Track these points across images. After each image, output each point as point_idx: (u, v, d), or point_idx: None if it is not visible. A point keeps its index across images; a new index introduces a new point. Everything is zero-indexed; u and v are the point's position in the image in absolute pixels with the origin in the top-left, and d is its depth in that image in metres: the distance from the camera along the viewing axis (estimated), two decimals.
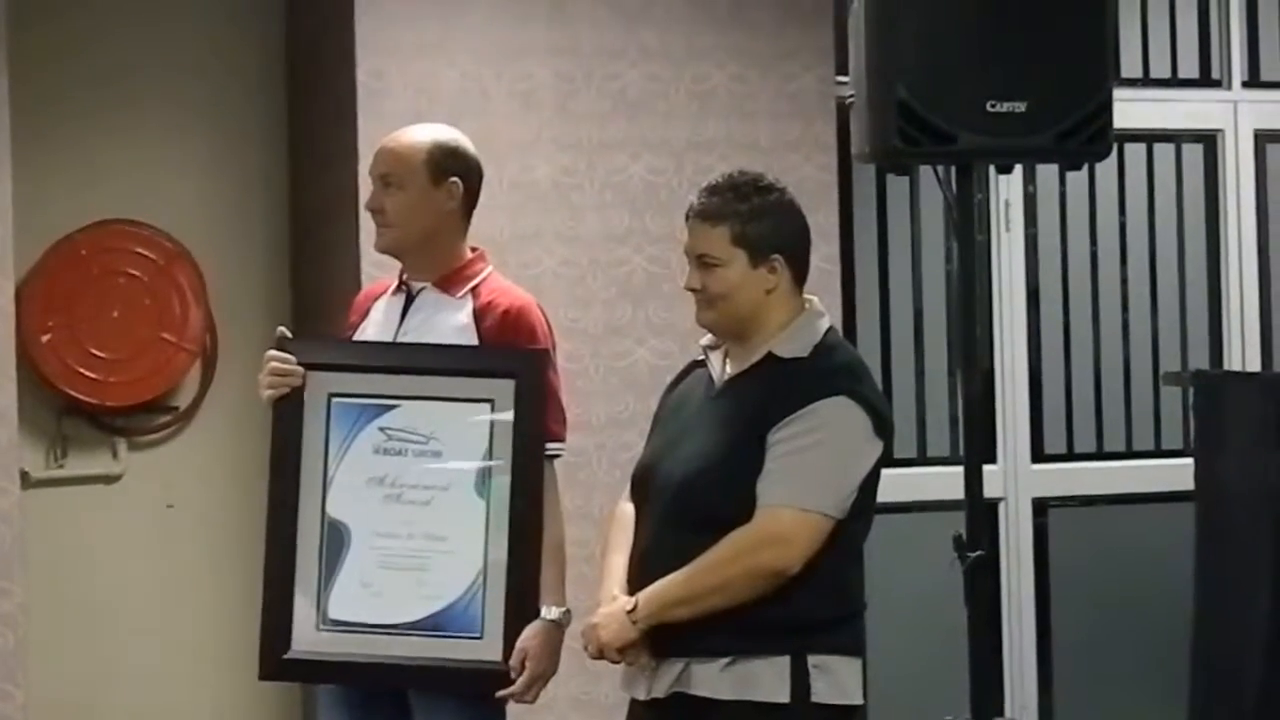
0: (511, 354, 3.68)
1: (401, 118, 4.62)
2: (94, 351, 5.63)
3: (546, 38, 5.42)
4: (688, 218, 3.51)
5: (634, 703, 3.52)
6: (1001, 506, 6.01)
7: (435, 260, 3.77)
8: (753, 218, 3.45)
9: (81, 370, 5.62)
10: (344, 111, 5.33)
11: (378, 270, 4.65)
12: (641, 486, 3.55)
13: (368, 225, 4.01)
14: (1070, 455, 6.19)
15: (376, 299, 3.88)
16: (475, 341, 3.71)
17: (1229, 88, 6.29)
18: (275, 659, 3.69)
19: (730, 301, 3.46)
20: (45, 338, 5.59)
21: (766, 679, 3.36)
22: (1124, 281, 6.26)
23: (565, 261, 5.42)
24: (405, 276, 3.82)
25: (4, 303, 5.15)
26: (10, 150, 5.13)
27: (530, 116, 5.40)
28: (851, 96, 4.41)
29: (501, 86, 5.39)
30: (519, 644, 3.60)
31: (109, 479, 5.75)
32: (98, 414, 5.71)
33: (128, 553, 5.75)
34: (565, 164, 5.43)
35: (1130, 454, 6.22)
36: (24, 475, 5.36)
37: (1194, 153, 6.31)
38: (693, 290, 3.51)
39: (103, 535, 5.74)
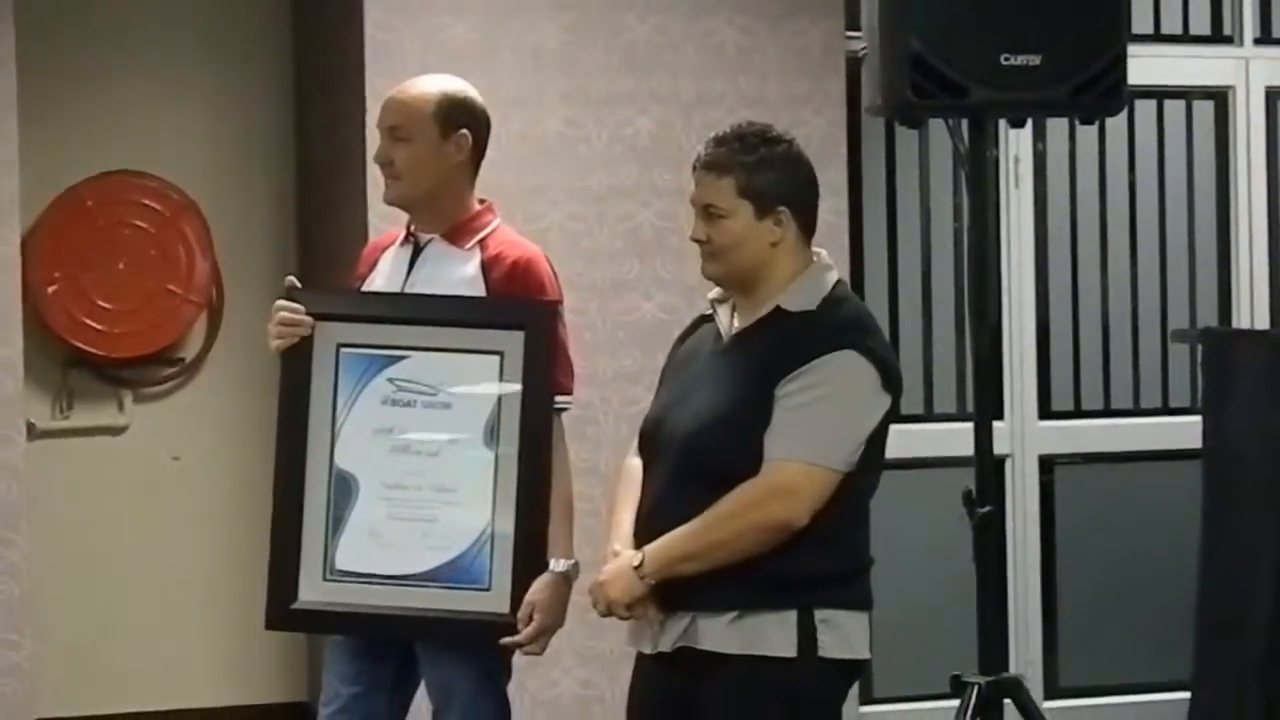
0: (521, 306, 3.67)
1: (409, 71, 4.59)
2: (100, 303, 5.63)
3: None
4: (694, 168, 3.49)
5: (640, 656, 3.52)
6: (1008, 463, 6.01)
7: (443, 212, 3.76)
8: (759, 169, 3.43)
9: (87, 322, 5.62)
10: (352, 64, 5.31)
11: (385, 223, 4.64)
12: (649, 441, 3.53)
13: (375, 178, 3.99)
14: (1077, 412, 6.19)
15: (384, 250, 3.87)
16: (483, 293, 3.70)
17: (1240, 44, 6.26)
18: (282, 609, 3.69)
19: (735, 253, 3.44)
20: (51, 289, 5.59)
21: (773, 633, 3.35)
22: (1133, 239, 6.24)
23: (572, 215, 5.41)
24: (413, 228, 3.80)
25: (10, 254, 5.15)
26: (17, 102, 5.12)
27: (538, 70, 5.38)
28: (863, 49, 4.38)
29: (509, 40, 5.37)
30: (527, 596, 3.60)
31: (114, 430, 5.76)
32: (103, 365, 5.71)
33: (133, 504, 5.76)
34: (573, 118, 5.42)
35: (1138, 411, 6.22)
36: (30, 426, 5.37)
37: (1205, 109, 6.28)
38: (698, 241, 3.48)
39: (108, 487, 5.74)
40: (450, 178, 3.75)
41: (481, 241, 3.75)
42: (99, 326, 5.63)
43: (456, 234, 3.76)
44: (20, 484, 5.13)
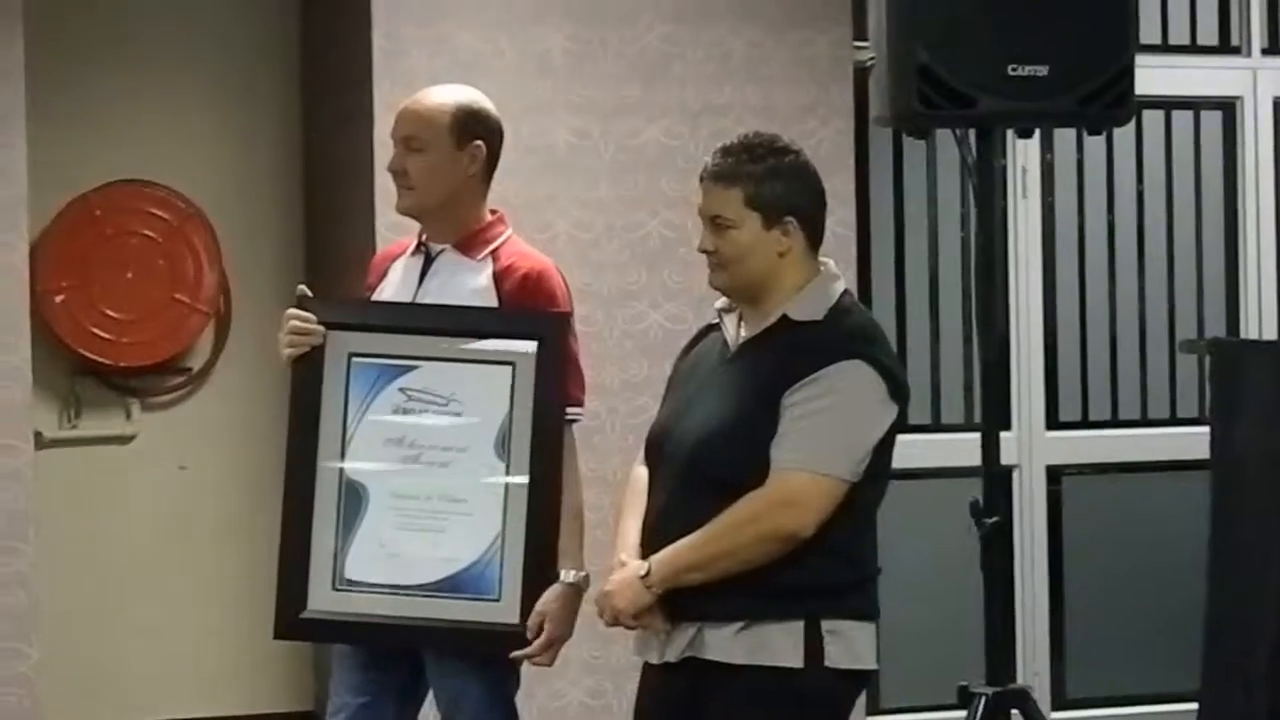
0: (533, 317, 3.68)
1: (417, 80, 4.61)
2: (107, 312, 5.63)
3: (562, 1, 5.40)
4: (701, 179, 3.49)
5: (647, 666, 3.52)
6: (1016, 474, 6.01)
7: (456, 222, 3.76)
8: (766, 179, 3.43)
9: (95, 331, 5.62)
10: (360, 73, 5.32)
11: (392, 232, 4.64)
12: (655, 450, 3.54)
13: (383, 187, 4.00)
14: (1085, 423, 6.18)
15: (394, 260, 3.86)
16: (494, 304, 3.70)
17: (1248, 54, 6.26)
18: (291, 618, 3.69)
19: (743, 264, 3.45)
20: (59, 298, 5.59)
21: (779, 644, 3.36)
22: (1141, 249, 6.24)
23: (579, 225, 5.41)
24: (424, 238, 3.80)
25: (18, 262, 5.15)
26: (25, 111, 5.12)
27: (546, 80, 5.39)
28: (871, 60, 4.39)
29: (517, 49, 5.37)
30: (538, 607, 3.60)
31: (122, 440, 5.76)
32: (111, 375, 5.71)
33: (140, 513, 5.76)
34: (580, 127, 5.42)
35: (1145, 422, 6.21)
36: (37, 435, 5.37)
37: (1213, 120, 6.28)
38: (705, 252, 3.49)
39: (115, 496, 5.74)
40: (464, 188, 3.75)
41: (494, 252, 3.75)
42: (107, 336, 5.63)
43: (468, 244, 3.76)
44: (28, 493, 5.12)
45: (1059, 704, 6.05)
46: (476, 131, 3.75)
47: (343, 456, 3.67)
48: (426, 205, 3.75)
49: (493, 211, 3.81)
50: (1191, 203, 6.28)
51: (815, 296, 3.46)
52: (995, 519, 4.35)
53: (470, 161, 3.74)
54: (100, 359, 5.65)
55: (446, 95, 3.78)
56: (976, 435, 4.51)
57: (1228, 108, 6.27)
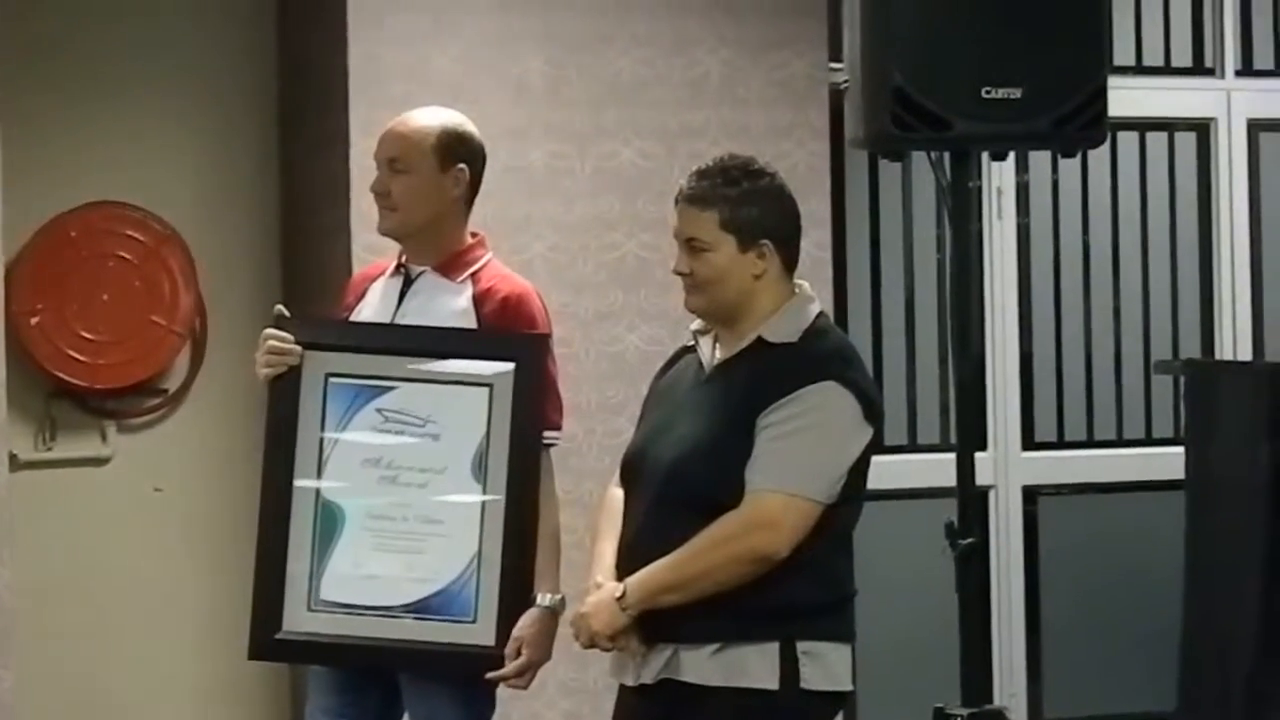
0: (512, 338, 3.68)
1: (393, 103, 4.61)
2: (83, 334, 5.61)
3: (538, 23, 5.41)
4: (677, 201, 3.51)
5: (623, 689, 3.52)
6: (992, 494, 6.02)
7: (437, 245, 3.77)
8: (742, 203, 3.44)
9: (70, 353, 5.60)
10: (336, 96, 5.32)
11: (369, 254, 4.64)
12: (631, 471, 3.54)
13: (359, 209, 3.99)
14: (1061, 443, 6.19)
15: (373, 280, 3.87)
16: (474, 326, 3.70)
17: (1222, 76, 6.29)
18: (266, 639, 3.69)
19: (718, 286, 3.46)
20: (34, 320, 5.57)
21: (755, 665, 3.36)
22: (1116, 270, 6.26)
23: (556, 247, 5.41)
24: (404, 259, 3.81)
25: None
26: (0, 131, 5.11)
27: (522, 102, 5.39)
28: (846, 82, 4.40)
29: (493, 72, 5.38)
30: (515, 631, 3.60)
31: (98, 461, 5.74)
32: (86, 396, 5.69)
33: (116, 535, 5.74)
34: (557, 149, 5.42)
35: (1121, 442, 6.23)
36: (12, 458, 5.34)
37: (1187, 141, 6.31)
38: (681, 274, 3.50)
39: (91, 518, 5.72)
40: (446, 211, 3.76)
41: (474, 275, 3.76)
42: (82, 358, 5.62)
43: (449, 267, 3.76)
44: (2, 516, 5.11)
45: None
46: (461, 155, 3.76)
47: (319, 477, 3.68)
48: (409, 227, 3.76)
49: (473, 234, 3.82)
50: (1166, 224, 6.30)
51: (790, 318, 3.47)
52: (971, 540, 4.35)
53: (454, 184, 3.75)
54: (76, 381, 5.63)
55: (431, 118, 3.80)
56: (952, 456, 4.52)
57: (1202, 129, 6.30)
